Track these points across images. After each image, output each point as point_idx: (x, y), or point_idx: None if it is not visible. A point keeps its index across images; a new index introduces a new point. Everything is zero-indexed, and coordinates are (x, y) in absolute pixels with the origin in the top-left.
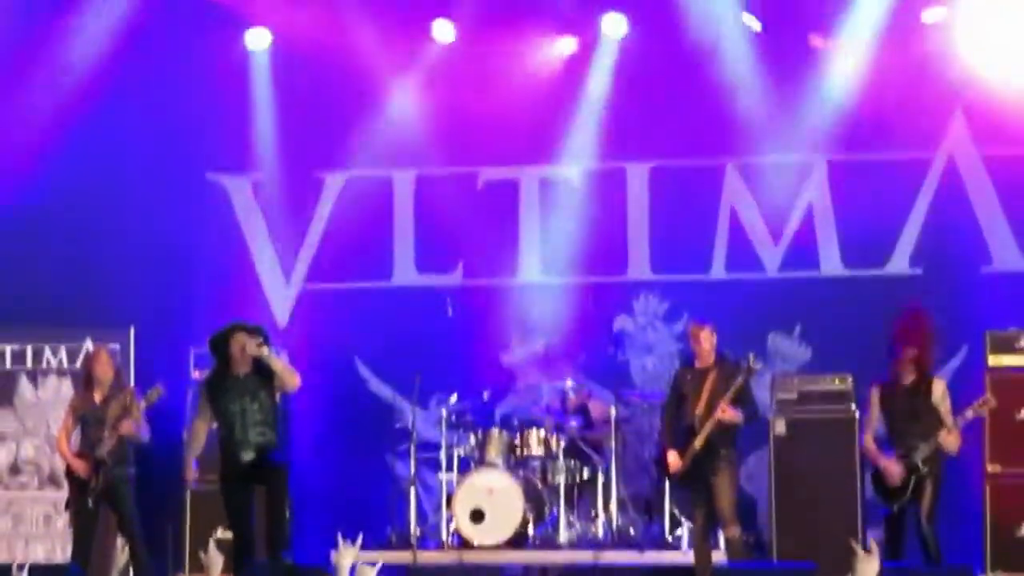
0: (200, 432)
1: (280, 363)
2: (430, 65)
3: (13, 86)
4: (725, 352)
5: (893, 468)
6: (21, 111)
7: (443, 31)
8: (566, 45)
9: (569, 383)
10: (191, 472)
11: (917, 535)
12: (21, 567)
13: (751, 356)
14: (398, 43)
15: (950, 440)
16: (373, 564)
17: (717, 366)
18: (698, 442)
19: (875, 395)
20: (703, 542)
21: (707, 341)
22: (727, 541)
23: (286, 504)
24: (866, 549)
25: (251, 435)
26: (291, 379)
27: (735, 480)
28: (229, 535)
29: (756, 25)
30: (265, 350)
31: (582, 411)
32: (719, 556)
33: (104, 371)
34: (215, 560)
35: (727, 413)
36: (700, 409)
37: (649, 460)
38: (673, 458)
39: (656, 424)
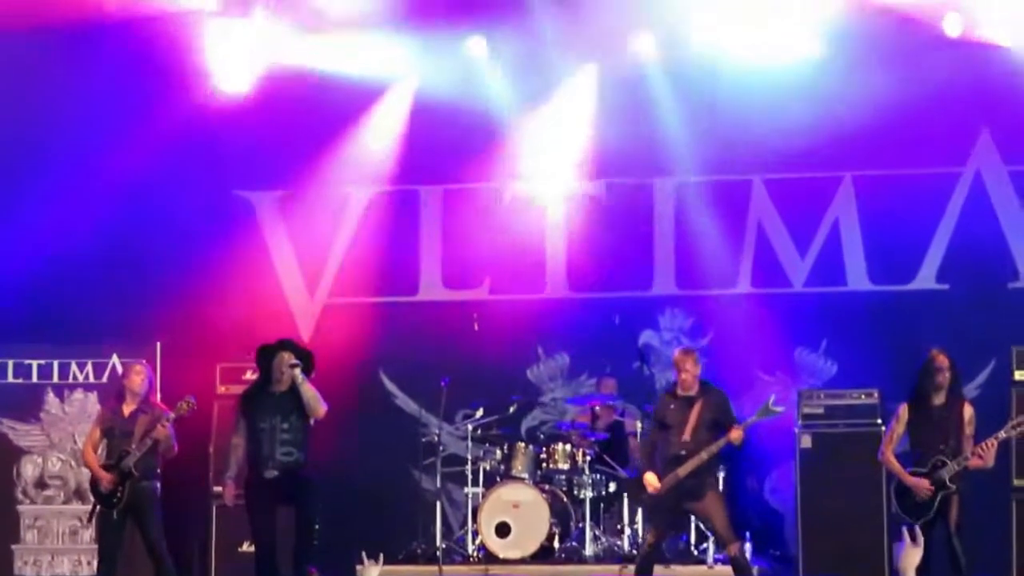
0: (239, 448)
1: (308, 390)
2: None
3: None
4: (707, 380)
5: (923, 484)
6: (48, 131)
7: (478, 46)
8: (589, 64)
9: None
10: (230, 492)
11: (945, 549)
12: None
13: (771, 399)
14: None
15: (986, 458)
16: None
17: (702, 395)
18: (683, 471)
19: (904, 411)
20: (647, 560)
21: (694, 368)
22: (732, 560)
23: (315, 520)
24: (912, 538)
25: (277, 453)
26: (317, 407)
27: (723, 499)
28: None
29: None
30: (297, 373)
31: (612, 427)
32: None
33: (138, 385)
34: None
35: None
36: (687, 436)
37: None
38: (652, 478)
39: None
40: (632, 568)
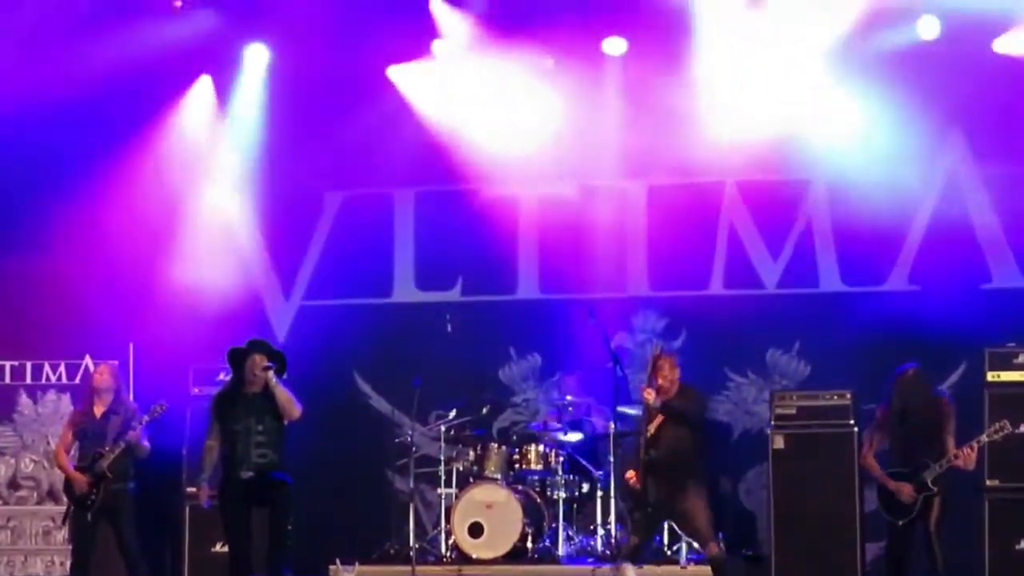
0: (212, 450)
1: (282, 392)
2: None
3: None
4: (686, 383)
5: (906, 488)
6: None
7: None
8: (564, 65)
9: (568, 398)
10: (204, 493)
11: (924, 547)
12: None
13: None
14: (398, 56)
15: (967, 461)
16: None
17: (678, 398)
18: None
19: (882, 413)
20: (631, 559)
21: (671, 373)
22: (711, 560)
23: (288, 522)
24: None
25: (252, 455)
26: (291, 409)
27: (706, 502)
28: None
29: None
30: (270, 375)
31: (582, 426)
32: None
33: (107, 385)
34: None
35: None
36: (660, 441)
37: None
38: (631, 475)
39: None
40: (604, 569)
